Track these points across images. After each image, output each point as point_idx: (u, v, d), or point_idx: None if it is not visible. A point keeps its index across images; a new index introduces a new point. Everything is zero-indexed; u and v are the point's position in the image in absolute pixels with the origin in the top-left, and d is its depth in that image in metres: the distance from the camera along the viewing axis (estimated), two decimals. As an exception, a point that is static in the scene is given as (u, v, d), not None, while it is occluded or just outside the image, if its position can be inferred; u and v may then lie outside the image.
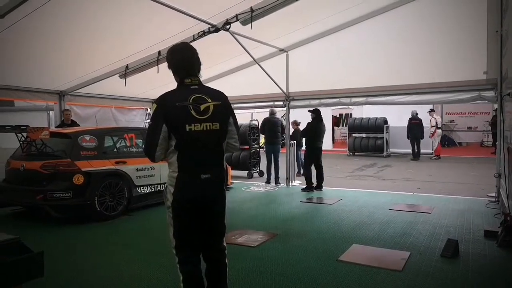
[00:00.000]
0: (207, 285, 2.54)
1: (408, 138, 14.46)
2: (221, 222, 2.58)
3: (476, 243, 4.50)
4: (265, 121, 9.36)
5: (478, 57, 6.52)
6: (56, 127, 8.00)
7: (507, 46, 5.10)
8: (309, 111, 8.32)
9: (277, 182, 8.99)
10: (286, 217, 6.00)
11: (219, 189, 2.53)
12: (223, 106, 2.53)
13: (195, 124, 2.38)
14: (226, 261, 2.61)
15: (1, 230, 3.32)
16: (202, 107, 2.43)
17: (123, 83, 7.57)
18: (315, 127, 8.22)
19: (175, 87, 2.54)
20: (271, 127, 9.13)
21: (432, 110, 14.47)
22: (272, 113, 9.42)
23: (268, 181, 9.30)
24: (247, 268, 3.82)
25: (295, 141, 9.44)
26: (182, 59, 2.56)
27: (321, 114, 8.27)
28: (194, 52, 2.60)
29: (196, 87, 2.50)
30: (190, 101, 2.40)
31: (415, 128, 14.26)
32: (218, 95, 2.59)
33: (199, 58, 2.61)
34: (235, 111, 2.75)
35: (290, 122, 9.66)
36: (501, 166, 6.10)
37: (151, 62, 7.09)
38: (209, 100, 2.47)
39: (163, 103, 2.40)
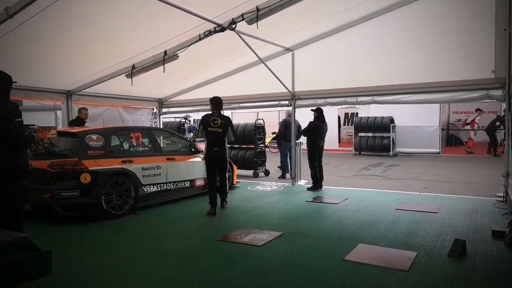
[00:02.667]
0: (218, 188, 6.35)
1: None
2: (224, 167, 6.35)
3: (483, 243, 4.47)
4: (284, 121, 10.34)
5: (486, 55, 6.46)
6: (69, 123, 8.04)
7: (515, 45, 5.05)
8: (312, 110, 8.31)
9: (291, 175, 9.55)
10: (292, 216, 5.99)
11: (221, 155, 6.23)
12: (225, 123, 6.23)
13: (211, 128, 6.13)
14: (226, 182, 6.55)
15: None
16: (216, 122, 6.15)
17: (130, 83, 7.61)
18: (318, 126, 8.21)
19: (210, 112, 6.34)
20: (289, 127, 9.75)
21: (477, 109, 15.36)
22: (289, 115, 10.19)
23: (283, 176, 10.12)
24: (252, 267, 3.83)
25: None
26: (214, 103, 6.32)
27: (323, 113, 8.27)
28: (220, 101, 6.33)
29: (216, 114, 6.24)
30: (211, 119, 6.16)
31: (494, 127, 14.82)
32: (224, 118, 6.34)
33: (222, 103, 6.36)
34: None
35: (279, 122, 10.66)
36: (509, 165, 6.04)
37: (157, 61, 7.11)
38: (219, 119, 6.19)
39: (203, 118, 6.32)
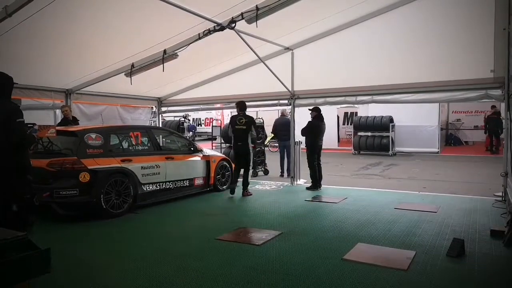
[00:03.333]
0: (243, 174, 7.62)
1: (485, 133, 15.65)
2: (246, 159, 7.50)
3: (482, 243, 4.48)
4: (278, 121, 10.44)
5: (485, 55, 6.46)
6: (58, 124, 7.95)
7: (515, 44, 5.05)
8: (309, 109, 8.30)
9: (289, 175, 9.44)
10: (291, 215, 6.00)
11: (244, 149, 7.43)
12: (249, 121, 7.46)
13: (237, 126, 7.46)
14: (247, 174, 7.60)
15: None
16: (241, 121, 7.44)
17: (129, 82, 7.60)
18: (317, 126, 8.19)
19: (236, 113, 7.73)
20: (283, 126, 9.91)
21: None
22: (283, 114, 10.49)
23: (281, 175, 10.19)
24: (251, 266, 3.83)
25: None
26: (239, 105, 7.63)
27: (321, 112, 8.27)
28: (244, 104, 7.63)
29: (242, 114, 7.52)
30: (237, 118, 7.51)
31: (492, 122, 14.87)
32: (248, 117, 7.53)
33: (245, 106, 7.65)
34: None
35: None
36: (508, 165, 6.05)
37: (156, 60, 7.10)
38: (244, 118, 7.45)
39: (231, 118, 7.88)
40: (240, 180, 7.66)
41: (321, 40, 8.06)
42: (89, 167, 5.60)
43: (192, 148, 7.65)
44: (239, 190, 7.57)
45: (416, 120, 15.51)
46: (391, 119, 15.64)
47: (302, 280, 3.48)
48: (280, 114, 10.63)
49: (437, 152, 15.51)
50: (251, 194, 7.53)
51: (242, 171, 7.62)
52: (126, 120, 10.06)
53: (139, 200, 6.27)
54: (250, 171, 7.74)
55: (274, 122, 10.64)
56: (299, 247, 4.42)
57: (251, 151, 7.58)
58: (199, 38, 6.50)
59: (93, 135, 5.97)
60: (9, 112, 3.65)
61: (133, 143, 6.61)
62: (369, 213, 6.03)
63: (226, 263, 3.94)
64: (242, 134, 7.40)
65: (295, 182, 8.89)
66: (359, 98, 8.13)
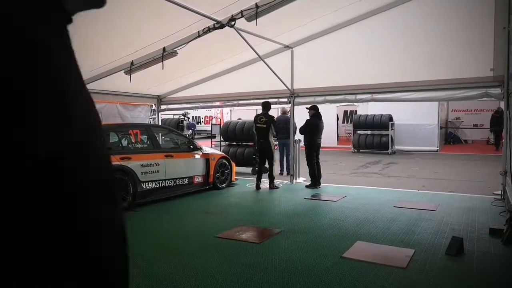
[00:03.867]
0: (264, 170, 8.17)
1: (491, 131, 16.79)
2: (269, 156, 8.00)
3: (481, 241, 4.48)
4: (278, 119, 10.32)
5: (485, 54, 6.46)
6: None
7: (514, 43, 5.05)
8: (307, 108, 8.29)
9: (289, 173, 9.46)
10: (290, 213, 6.00)
11: (266, 146, 7.95)
12: (268, 120, 7.96)
13: (258, 125, 8.04)
14: (272, 167, 8.10)
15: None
16: (261, 120, 7.99)
17: (128, 79, 7.59)
18: (316, 124, 8.19)
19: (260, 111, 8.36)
20: (283, 124, 9.86)
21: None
22: (284, 112, 10.53)
23: (281, 173, 10.17)
24: (251, 264, 3.84)
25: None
26: (262, 105, 8.23)
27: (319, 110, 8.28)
28: (268, 104, 8.20)
29: (263, 113, 8.08)
30: (258, 117, 8.09)
31: (495, 120, 15.40)
32: (268, 116, 8.05)
33: (269, 106, 8.20)
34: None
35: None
36: (507, 163, 6.06)
37: (156, 58, 7.09)
38: (264, 118, 7.99)
39: (254, 117, 8.31)
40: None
41: (320, 38, 8.05)
42: (89, 165, 5.58)
43: (191, 146, 7.65)
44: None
45: (415, 118, 15.52)
46: (390, 118, 15.64)
47: (301, 278, 3.49)
48: (281, 112, 10.58)
49: (437, 151, 15.53)
50: (278, 188, 8.14)
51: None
52: (126, 118, 10.04)
53: (139, 198, 6.28)
54: (274, 166, 8.26)
55: (276, 119, 10.64)
56: (298, 245, 4.42)
57: (272, 148, 8.08)
58: (199, 36, 6.49)
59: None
60: None
61: (133, 141, 6.61)
62: (368, 211, 6.03)
63: (225, 261, 3.95)
64: (262, 132, 7.99)
65: (295, 180, 8.90)
66: (359, 96, 8.13)
